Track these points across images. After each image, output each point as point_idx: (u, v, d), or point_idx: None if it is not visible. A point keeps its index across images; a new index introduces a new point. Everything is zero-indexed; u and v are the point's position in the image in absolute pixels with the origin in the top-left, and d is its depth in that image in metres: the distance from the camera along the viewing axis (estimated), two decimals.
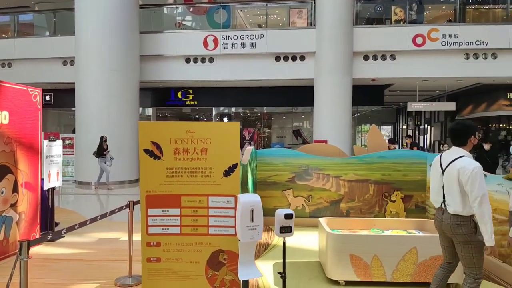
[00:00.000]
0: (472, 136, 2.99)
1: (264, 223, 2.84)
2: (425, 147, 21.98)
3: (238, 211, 2.75)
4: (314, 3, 12.66)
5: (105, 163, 10.65)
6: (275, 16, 15.02)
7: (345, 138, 12.04)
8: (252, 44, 12.71)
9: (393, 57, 12.47)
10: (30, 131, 5.27)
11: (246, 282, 2.86)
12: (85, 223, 3.62)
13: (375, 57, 12.52)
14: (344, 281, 3.98)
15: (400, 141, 24.50)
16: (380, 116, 25.30)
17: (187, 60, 13.22)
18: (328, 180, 6.49)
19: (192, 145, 3.20)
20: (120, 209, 4.28)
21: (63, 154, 6.40)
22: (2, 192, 4.75)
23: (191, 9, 14.79)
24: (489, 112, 16.69)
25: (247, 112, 19.69)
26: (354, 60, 12.37)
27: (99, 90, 11.09)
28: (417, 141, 22.96)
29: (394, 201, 6.36)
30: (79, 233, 5.77)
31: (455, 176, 2.87)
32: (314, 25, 12.60)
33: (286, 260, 3.09)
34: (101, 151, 10.52)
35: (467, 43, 11.92)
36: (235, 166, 3.20)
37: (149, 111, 16.88)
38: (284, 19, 14.43)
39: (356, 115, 20.37)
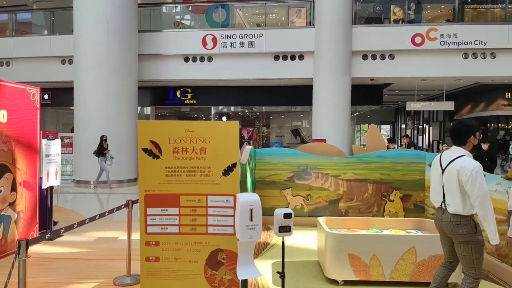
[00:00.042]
0: (472, 136, 2.97)
1: (263, 222, 2.84)
2: (424, 147, 22.00)
3: (237, 211, 2.75)
4: (313, 2, 12.65)
5: (105, 162, 10.63)
6: (274, 15, 15.01)
7: (344, 137, 12.05)
8: (251, 44, 12.70)
9: (392, 57, 12.48)
10: (29, 130, 5.26)
11: (245, 282, 2.86)
12: (83, 222, 3.61)
13: (374, 57, 12.53)
14: (343, 280, 3.98)
15: (399, 140, 24.52)
16: (378, 116, 25.33)
17: (186, 59, 13.20)
18: (327, 179, 6.50)
19: (191, 144, 3.19)
20: (118, 208, 4.28)
21: (61, 153, 6.39)
22: (1, 191, 4.74)
23: (190, 8, 14.77)
24: (488, 112, 16.72)
25: (246, 111, 19.69)
26: (353, 60, 12.37)
27: (97, 89, 11.07)
28: (414, 141, 23.02)
29: (392, 201, 6.36)
30: (78, 232, 5.76)
31: (455, 175, 2.87)
32: (313, 25, 12.60)
33: (285, 260, 3.09)
34: (101, 150, 10.51)
35: (465, 43, 11.93)
36: (234, 165, 3.20)
37: (147, 110, 16.88)
38: (283, 19, 14.42)
39: (355, 114, 20.42)
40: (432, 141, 21.22)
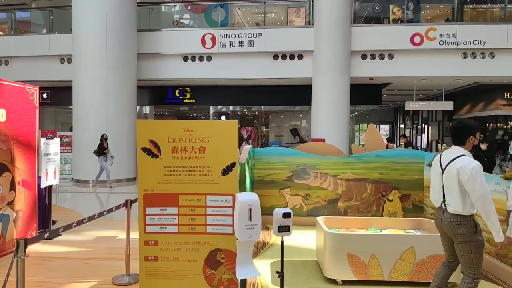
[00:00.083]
0: (472, 136, 2.96)
1: (261, 222, 2.84)
2: (422, 147, 22.03)
3: (236, 210, 2.75)
4: (312, 1, 12.65)
5: (106, 161, 10.62)
6: (273, 14, 15.01)
7: (342, 137, 12.05)
8: (250, 43, 12.70)
9: (391, 56, 12.48)
10: (27, 129, 5.25)
11: (244, 281, 2.85)
12: (82, 222, 3.61)
13: (373, 56, 12.54)
14: (342, 280, 3.98)
15: (398, 140, 24.54)
16: (377, 115, 25.32)
17: (185, 58, 13.19)
18: (325, 179, 6.50)
19: (190, 143, 3.19)
20: (117, 207, 4.27)
21: (60, 152, 6.38)
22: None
23: (189, 7, 14.74)
24: (487, 112, 16.74)
25: (245, 110, 19.68)
26: (352, 59, 12.37)
27: (96, 88, 11.06)
28: (413, 141, 23.05)
29: (391, 200, 6.37)
30: (76, 231, 5.76)
31: (455, 175, 2.86)
32: (312, 24, 12.60)
33: (284, 259, 3.09)
34: (101, 150, 10.50)
35: (464, 43, 11.94)
36: (233, 165, 3.20)
37: (146, 109, 16.85)
38: (282, 18, 14.42)
39: (353, 114, 20.42)
40: (431, 140, 21.24)
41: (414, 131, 24.19)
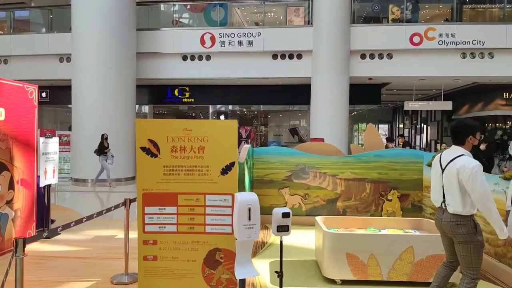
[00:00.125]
0: (471, 136, 2.94)
1: (260, 221, 2.83)
2: (422, 146, 22.04)
3: (235, 210, 2.75)
4: (312, 1, 12.64)
5: (106, 161, 10.60)
6: (272, 14, 15.00)
7: (341, 136, 12.06)
8: (249, 42, 12.69)
9: (390, 56, 12.49)
10: (26, 128, 5.24)
11: (243, 281, 2.85)
12: (81, 221, 3.61)
13: (372, 56, 12.54)
14: (341, 280, 3.99)
15: (397, 139, 24.54)
16: (376, 115, 25.33)
17: (184, 57, 13.18)
18: (324, 178, 6.50)
19: (189, 143, 3.18)
20: (116, 206, 4.27)
21: (59, 151, 6.37)
22: None
23: (188, 7, 14.73)
24: (486, 112, 16.75)
25: (244, 110, 19.68)
26: (351, 59, 12.37)
27: (95, 87, 11.05)
28: (412, 140, 23.07)
29: (390, 200, 6.37)
30: (75, 231, 5.75)
31: (455, 175, 2.86)
32: (311, 24, 12.60)
33: (283, 259, 3.09)
34: (102, 149, 10.48)
35: (464, 43, 11.95)
36: (232, 164, 3.19)
37: (145, 108, 16.84)
38: (281, 17, 14.42)
39: (353, 113, 20.43)
40: (430, 140, 21.26)
41: (413, 131, 24.20)
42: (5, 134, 4.84)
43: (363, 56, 12.55)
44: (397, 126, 26.65)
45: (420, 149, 19.89)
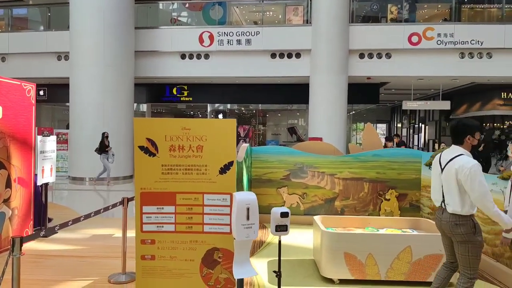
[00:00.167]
0: (469, 136, 2.92)
1: (258, 220, 2.83)
2: (419, 146, 22.08)
3: (234, 209, 2.74)
4: (310, 0, 12.63)
5: (107, 159, 10.57)
6: (271, 13, 14.98)
7: (340, 136, 12.06)
8: (248, 41, 12.67)
9: (388, 56, 12.49)
10: (24, 126, 5.22)
11: (241, 281, 2.85)
12: (78, 220, 3.59)
13: (370, 55, 12.54)
14: (339, 279, 3.99)
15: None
16: (375, 115, 25.31)
17: (183, 56, 13.15)
18: (323, 178, 6.50)
19: (188, 142, 3.17)
20: (114, 205, 4.26)
21: (56, 150, 6.35)
22: None
23: (187, 5, 14.70)
24: (484, 112, 16.78)
25: (242, 109, 19.64)
26: (350, 58, 12.37)
27: (93, 85, 11.02)
28: (410, 140, 23.12)
29: (388, 200, 6.38)
30: (73, 229, 5.73)
31: (453, 174, 2.85)
32: (310, 23, 12.59)
33: (281, 258, 3.09)
34: (103, 148, 10.45)
35: (462, 42, 11.97)
36: (231, 163, 3.18)
37: (144, 107, 16.80)
38: (280, 16, 14.40)
39: (351, 113, 20.40)
40: (428, 140, 21.30)
41: (411, 131, 24.24)
42: (2, 132, 4.82)
43: (361, 56, 12.55)
44: (395, 125, 26.69)
45: (418, 149, 19.94)
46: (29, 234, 5.13)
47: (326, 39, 12.00)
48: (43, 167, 5.75)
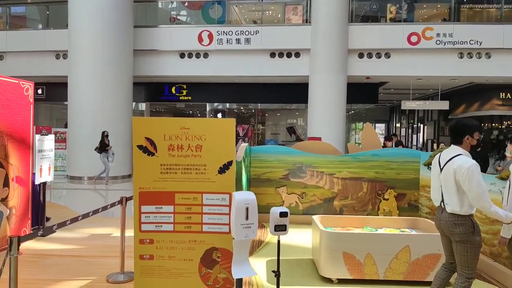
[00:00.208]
0: (468, 136, 2.92)
1: (257, 219, 2.82)
2: (418, 146, 22.11)
3: (233, 209, 2.73)
4: None
5: (107, 158, 10.55)
6: (270, 12, 14.96)
7: (339, 135, 12.06)
8: (247, 40, 12.66)
9: (387, 55, 12.50)
10: (22, 125, 5.20)
11: (239, 281, 2.84)
12: (76, 219, 3.58)
13: (369, 55, 12.55)
14: (337, 279, 3.99)
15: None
16: (374, 114, 25.37)
17: (182, 55, 13.13)
18: (322, 177, 6.50)
19: (187, 141, 3.16)
20: (112, 204, 4.24)
21: (55, 149, 6.33)
22: None
23: (186, 4, 14.68)
24: (482, 112, 16.80)
25: (241, 108, 19.64)
26: (349, 58, 12.37)
27: (92, 84, 10.99)
28: (405, 140, 23.15)
29: (387, 199, 6.38)
30: (71, 229, 5.71)
31: (452, 175, 2.85)
32: (310, 22, 12.58)
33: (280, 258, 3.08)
34: (103, 147, 10.43)
35: (461, 42, 11.98)
36: (230, 163, 3.17)
37: (142, 106, 16.78)
38: (279, 16, 14.38)
39: (350, 113, 20.43)
40: (427, 140, 21.32)
41: (410, 130, 24.26)
42: (0, 131, 4.80)
43: (360, 55, 12.55)
44: (394, 125, 26.71)
45: (416, 149, 19.96)
46: (27, 233, 5.11)
47: (325, 38, 11.99)
48: (41, 166, 5.73)
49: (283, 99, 15.73)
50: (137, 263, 3.23)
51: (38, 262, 4.58)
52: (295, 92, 14.26)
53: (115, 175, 11.17)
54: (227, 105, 18.32)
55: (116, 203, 4.24)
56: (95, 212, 3.94)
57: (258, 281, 4.02)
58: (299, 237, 5.57)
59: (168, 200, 3.18)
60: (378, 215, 6.30)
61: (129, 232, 3.68)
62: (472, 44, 11.91)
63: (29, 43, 13.30)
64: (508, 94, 15.84)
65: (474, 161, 2.80)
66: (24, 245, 4.86)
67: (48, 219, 6.19)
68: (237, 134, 15.42)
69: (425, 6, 14.20)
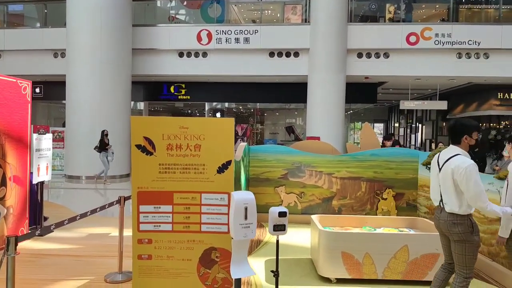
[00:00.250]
0: (466, 135, 2.92)
1: (256, 219, 2.81)
2: (416, 146, 22.15)
3: (232, 209, 2.72)
4: None
5: (107, 157, 10.52)
6: (269, 11, 14.96)
7: (337, 135, 12.07)
8: (246, 40, 12.64)
9: (386, 55, 12.50)
10: (19, 124, 5.18)
11: (238, 280, 2.84)
12: (74, 218, 3.57)
13: (368, 55, 12.55)
14: (336, 278, 3.99)
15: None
16: (372, 114, 25.40)
17: (180, 54, 13.11)
18: (320, 177, 6.50)
19: (185, 141, 3.15)
20: (110, 204, 4.23)
21: (52, 148, 6.31)
22: None
23: (185, 3, 14.66)
24: (480, 112, 16.84)
25: (240, 107, 19.62)
26: (348, 58, 12.38)
27: (90, 83, 10.95)
28: (404, 140, 23.20)
29: (385, 199, 6.38)
30: (69, 228, 5.70)
31: (450, 175, 2.86)
32: (309, 22, 12.58)
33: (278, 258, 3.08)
34: (103, 146, 10.40)
35: (459, 43, 11.99)
36: (229, 163, 3.16)
37: (141, 105, 16.74)
38: (278, 15, 14.38)
39: (349, 112, 20.45)
40: (425, 140, 21.36)
41: (408, 130, 24.30)
42: None
43: (359, 55, 12.56)
44: (393, 125, 26.74)
45: (415, 149, 19.99)
46: (25, 233, 5.10)
47: (325, 38, 11.99)
48: (38, 165, 5.71)
49: (282, 99, 15.72)
50: (135, 263, 3.22)
51: (36, 262, 4.56)
52: (294, 92, 14.26)
53: (113, 174, 11.14)
54: (226, 104, 18.30)
55: (114, 202, 4.23)
56: (93, 211, 3.92)
57: (256, 281, 4.02)
58: (298, 237, 5.57)
59: (166, 200, 3.17)
60: (376, 215, 6.30)
61: (127, 232, 3.67)
62: (471, 44, 11.93)
63: (27, 41, 13.25)
64: (506, 94, 15.89)
65: (472, 161, 2.81)
66: (22, 245, 4.86)
67: (45, 218, 6.17)
68: (236, 134, 15.41)
69: (423, 6, 14.22)
